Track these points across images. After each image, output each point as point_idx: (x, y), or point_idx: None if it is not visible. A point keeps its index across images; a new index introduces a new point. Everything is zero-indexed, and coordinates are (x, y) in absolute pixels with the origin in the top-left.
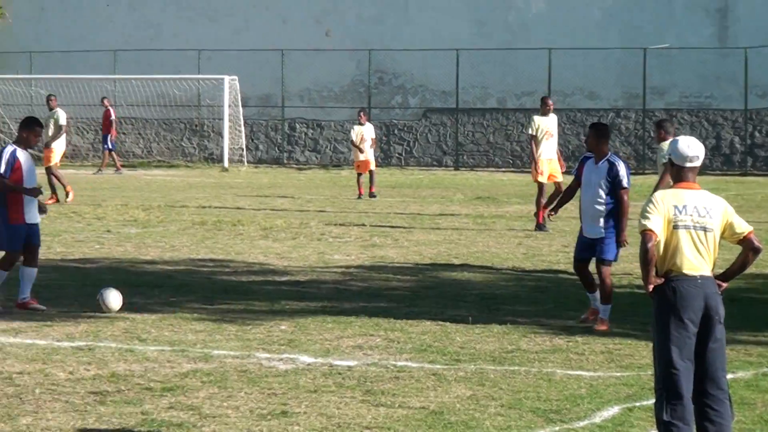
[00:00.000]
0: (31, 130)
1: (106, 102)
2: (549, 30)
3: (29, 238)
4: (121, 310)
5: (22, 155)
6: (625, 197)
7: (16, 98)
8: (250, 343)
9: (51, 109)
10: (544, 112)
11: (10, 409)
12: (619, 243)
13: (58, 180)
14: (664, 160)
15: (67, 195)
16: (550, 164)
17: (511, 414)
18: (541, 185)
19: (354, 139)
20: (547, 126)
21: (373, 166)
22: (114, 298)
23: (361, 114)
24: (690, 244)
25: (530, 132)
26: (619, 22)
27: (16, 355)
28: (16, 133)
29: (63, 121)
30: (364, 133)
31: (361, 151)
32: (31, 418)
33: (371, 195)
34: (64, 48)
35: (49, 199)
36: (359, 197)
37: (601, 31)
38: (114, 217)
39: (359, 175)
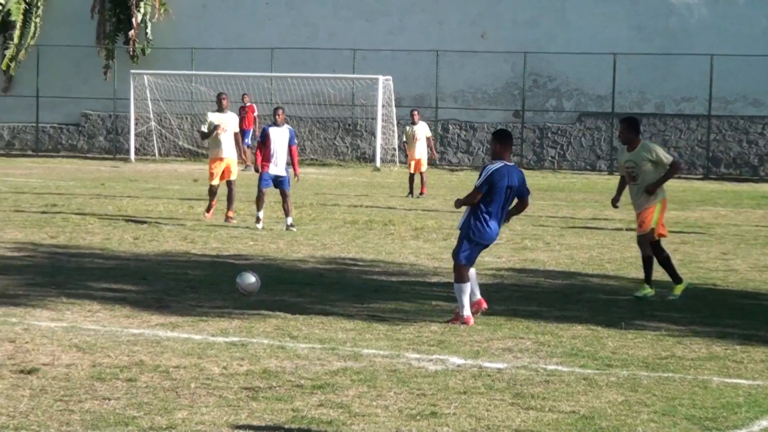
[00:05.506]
0: (503, 144)
1: (246, 98)
2: (711, 36)
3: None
4: (273, 308)
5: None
6: None
7: (178, 94)
8: (399, 343)
9: (223, 111)
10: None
11: (167, 403)
12: None
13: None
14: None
15: (208, 210)
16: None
17: (664, 421)
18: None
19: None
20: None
21: (424, 167)
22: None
23: (414, 113)
24: None
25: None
26: None
27: (173, 349)
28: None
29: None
30: (417, 132)
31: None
32: (187, 412)
33: (420, 194)
34: (223, 45)
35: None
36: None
37: (767, 38)
38: (267, 214)
39: (411, 175)
